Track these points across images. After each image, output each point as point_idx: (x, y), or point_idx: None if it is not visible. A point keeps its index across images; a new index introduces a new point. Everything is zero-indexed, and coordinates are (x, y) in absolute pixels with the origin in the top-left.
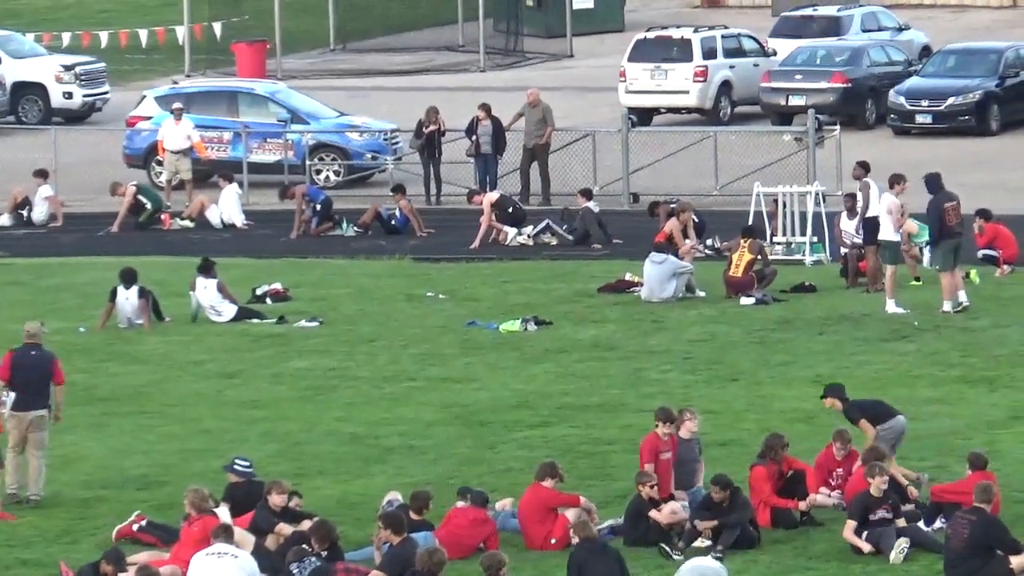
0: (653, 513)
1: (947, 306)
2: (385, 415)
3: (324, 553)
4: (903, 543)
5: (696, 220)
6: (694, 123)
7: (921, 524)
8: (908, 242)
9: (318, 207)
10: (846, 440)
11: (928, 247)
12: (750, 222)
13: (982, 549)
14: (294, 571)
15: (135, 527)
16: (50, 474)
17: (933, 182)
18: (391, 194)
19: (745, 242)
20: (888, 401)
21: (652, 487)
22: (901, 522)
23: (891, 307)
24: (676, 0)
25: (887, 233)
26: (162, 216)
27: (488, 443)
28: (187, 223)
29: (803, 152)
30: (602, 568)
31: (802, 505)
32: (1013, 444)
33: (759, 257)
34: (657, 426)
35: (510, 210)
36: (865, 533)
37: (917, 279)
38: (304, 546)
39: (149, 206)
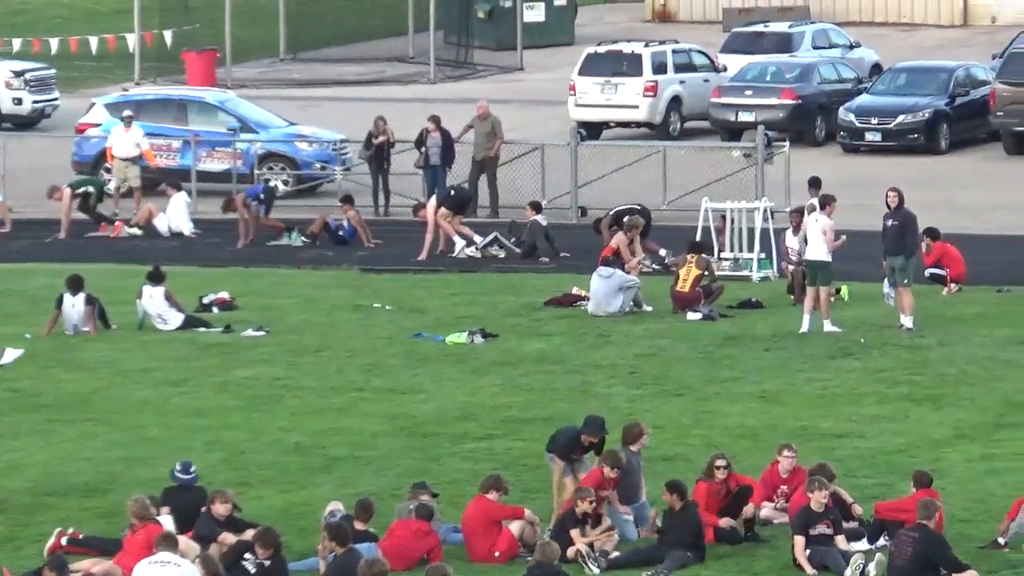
0: (573, 534)
1: (907, 321)
2: (331, 425)
3: (267, 562)
4: (859, 560)
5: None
6: (643, 137)
7: (864, 542)
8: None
9: (261, 197)
10: (793, 451)
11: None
12: (698, 237)
13: (925, 566)
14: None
15: (63, 540)
16: None
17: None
18: (339, 204)
19: (692, 257)
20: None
21: (590, 503)
22: (841, 539)
23: (829, 326)
24: (627, 15)
25: (820, 254)
26: (110, 192)
27: (433, 455)
28: (135, 231)
29: (752, 168)
30: None
31: (747, 510)
32: (958, 462)
33: (706, 272)
34: (606, 470)
35: (452, 193)
36: (808, 551)
37: (838, 291)
38: (247, 554)
39: (91, 188)
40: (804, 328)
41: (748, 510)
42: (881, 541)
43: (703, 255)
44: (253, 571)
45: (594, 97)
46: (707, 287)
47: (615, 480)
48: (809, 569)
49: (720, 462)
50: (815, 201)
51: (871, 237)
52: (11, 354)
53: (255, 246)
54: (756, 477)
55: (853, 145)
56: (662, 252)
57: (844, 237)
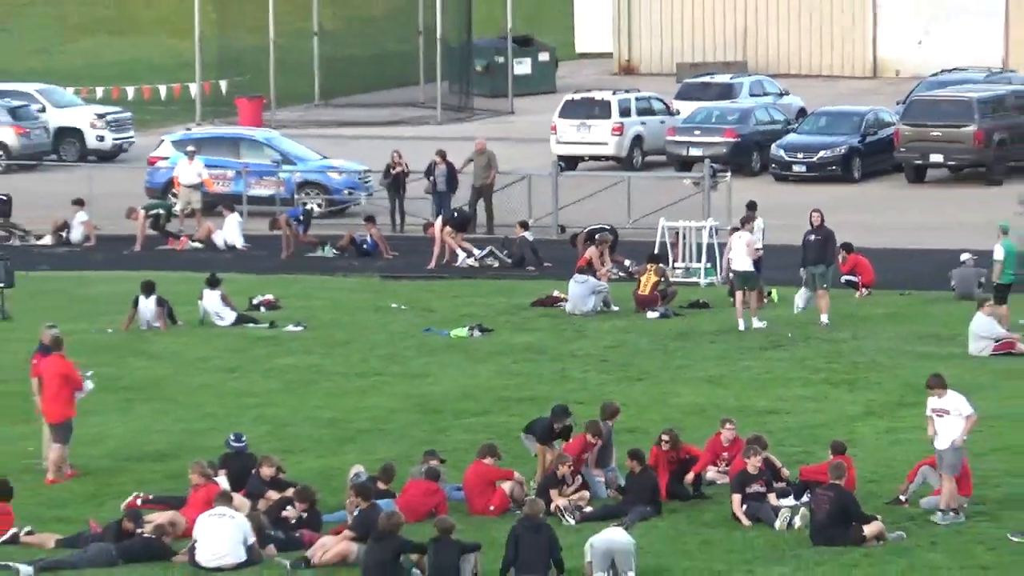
0: (552, 493)
1: (825, 319)
2: (356, 403)
3: (304, 514)
4: (786, 513)
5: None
6: (611, 169)
7: (791, 499)
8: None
9: (300, 217)
10: (733, 424)
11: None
12: (655, 250)
13: (839, 519)
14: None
15: (139, 501)
16: (81, 449)
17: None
18: (364, 223)
19: (651, 266)
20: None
21: (568, 467)
22: (772, 496)
23: (757, 323)
24: (598, 68)
25: (745, 264)
26: (176, 213)
27: (439, 427)
28: (197, 245)
29: (700, 194)
30: (534, 543)
31: (689, 477)
32: (868, 434)
33: (663, 279)
34: (590, 437)
35: (455, 214)
36: (744, 506)
37: (769, 293)
38: (288, 507)
39: (161, 210)
40: (741, 326)
41: (690, 477)
42: (805, 498)
43: (660, 265)
44: (293, 521)
45: (571, 136)
46: (663, 291)
47: (595, 445)
48: (745, 521)
49: (665, 436)
50: (754, 220)
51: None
52: (88, 385)
53: (295, 257)
54: (703, 446)
55: (783, 175)
56: (626, 262)
57: (760, 249)
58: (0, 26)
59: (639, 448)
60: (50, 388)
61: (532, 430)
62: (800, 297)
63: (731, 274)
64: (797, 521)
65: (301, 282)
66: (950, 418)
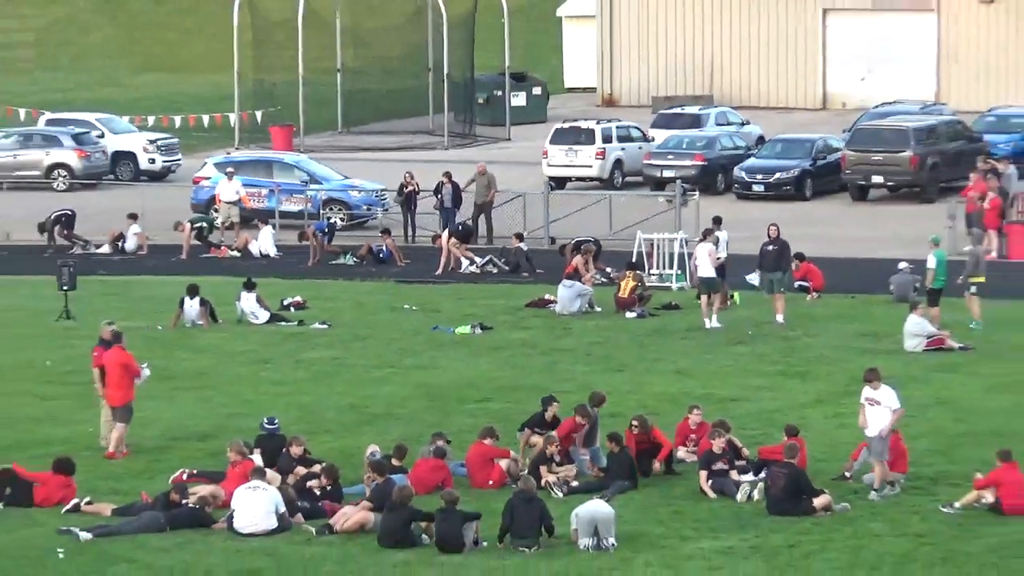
0: (542, 470)
1: (781, 319)
2: (373, 391)
3: (328, 487)
4: (746, 488)
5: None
6: (595, 188)
7: (751, 475)
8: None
9: (325, 229)
10: (700, 410)
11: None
12: (633, 259)
13: (793, 493)
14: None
15: (184, 476)
16: (134, 430)
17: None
18: (380, 234)
19: (630, 273)
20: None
21: (556, 447)
22: (734, 473)
23: (711, 323)
24: (584, 100)
25: (707, 271)
26: (217, 226)
27: (445, 412)
28: (235, 253)
29: (672, 210)
30: (527, 512)
31: (656, 467)
32: (817, 419)
33: (639, 284)
34: (577, 418)
35: (460, 227)
36: (710, 482)
37: (732, 296)
38: (312, 480)
39: (204, 223)
40: (707, 325)
41: (656, 467)
42: (762, 474)
43: (637, 271)
44: (318, 493)
45: (560, 160)
46: (640, 294)
47: (583, 426)
48: (711, 494)
49: (634, 422)
50: (717, 233)
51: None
52: (145, 373)
53: (320, 264)
54: (674, 429)
55: (744, 194)
56: (608, 269)
57: (721, 256)
58: (71, 65)
59: (617, 431)
60: (113, 376)
61: (529, 423)
62: (754, 277)
63: (697, 280)
64: (756, 494)
65: (326, 286)
66: (880, 408)
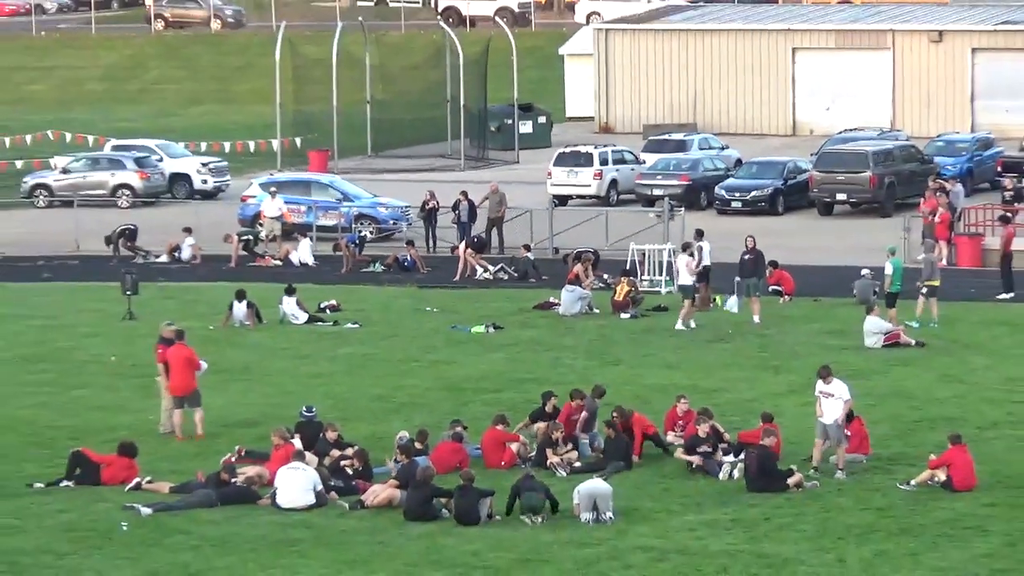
0: (548, 452)
1: (757, 319)
2: (399, 383)
3: (360, 468)
4: (727, 468)
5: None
6: (593, 205)
7: (731, 456)
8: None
9: (357, 241)
10: (686, 399)
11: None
12: (627, 267)
13: (767, 472)
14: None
15: (234, 458)
16: (189, 416)
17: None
18: (405, 245)
19: (624, 279)
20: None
21: (559, 432)
22: (717, 454)
23: (678, 325)
24: (583, 128)
25: (686, 279)
26: (262, 238)
27: (462, 402)
28: (278, 263)
29: (661, 224)
30: (532, 493)
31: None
32: (790, 408)
33: (633, 288)
34: (574, 402)
35: (475, 239)
36: (696, 461)
37: (714, 300)
38: (344, 460)
39: (250, 236)
40: (691, 325)
41: (636, 459)
42: (742, 456)
43: (631, 278)
44: (351, 473)
45: (563, 180)
46: (633, 297)
47: (580, 408)
48: (695, 460)
49: (615, 412)
50: (700, 244)
51: (735, 267)
52: (203, 366)
53: (352, 272)
54: (663, 416)
55: (724, 209)
56: (605, 276)
57: (705, 263)
58: (134, 98)
59: (611, 419)
60: (177, 369)
61: (536, 415)
62: (732, 303)
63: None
64: (736, 474)
65: (357, 291)
66: (834, 400)
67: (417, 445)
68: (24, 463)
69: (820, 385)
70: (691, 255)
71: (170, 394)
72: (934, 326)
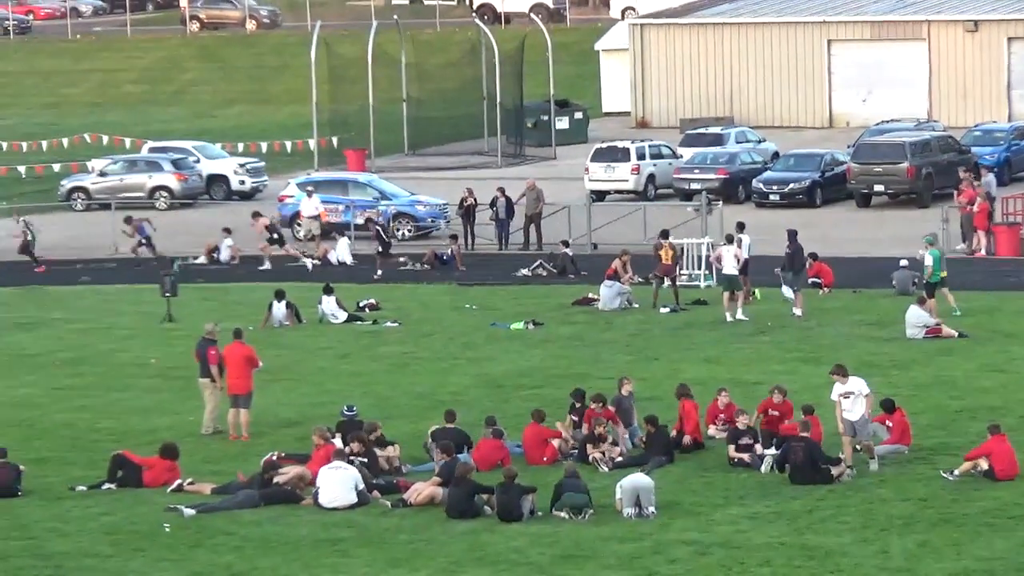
0: (589, 448)
1: (798, 311)
2: (439, 381)
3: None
4: (769, 460)
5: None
6: (631, 200)
7: (773, 448)
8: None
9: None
10: (727, 392)
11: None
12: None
13: (812, 463)
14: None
15: (275, 457)
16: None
17: (793, 234)
18: (448, 239)
19: (665, 242)
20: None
21: (602, 427)
22: (759, 447)
23: (728, 316)
24: (620, 123)
25: (731, 270)
26: (299, 238)
27: (503, 398)
28: (316, 262)
29: (699, 218)
30: (574, 490)
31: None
32: (830, 400)
33: (676, 251)
34: (592, 406)
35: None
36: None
37: (753, 293)
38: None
39: (276, 236)
40: (731, 318)
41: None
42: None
43: (671, 241)
44: (387, 468)
45: (600, 175)
46: (677, 260)
47: (608, 412)
48: (737, 456)
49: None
50: (741, 236)
51: (774, 260)
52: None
53: (393, 266)
54: (704, 409)
55: (762, 203)
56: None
57: (745, 256)
58: (171, 100)
59: (654, 414)
60: (235, 368)
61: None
62: (786, 290)
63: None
64: (763, 468)
65: (397, 288)
66: (855, 397)
67: (448, 424)
68: (66, 466)
69: (838, 387)
70: (738, 245)
71: (227, 393)
72: (957, 314)
